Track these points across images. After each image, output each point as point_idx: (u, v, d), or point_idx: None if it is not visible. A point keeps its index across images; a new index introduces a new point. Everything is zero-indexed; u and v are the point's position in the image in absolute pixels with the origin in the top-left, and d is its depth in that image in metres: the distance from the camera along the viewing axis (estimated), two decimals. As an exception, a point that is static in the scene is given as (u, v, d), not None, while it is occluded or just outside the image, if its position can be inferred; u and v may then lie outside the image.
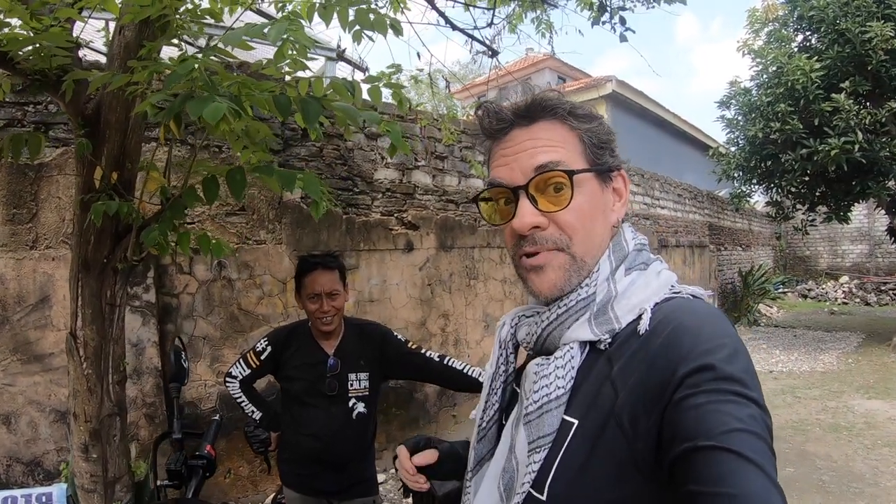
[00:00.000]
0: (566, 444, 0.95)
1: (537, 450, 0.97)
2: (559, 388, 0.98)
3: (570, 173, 1.01)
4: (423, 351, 2.84)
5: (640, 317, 0.97)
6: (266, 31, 1.65)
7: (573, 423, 0.96)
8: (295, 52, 1.95)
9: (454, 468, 1.36)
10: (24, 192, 3.93)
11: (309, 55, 2.03)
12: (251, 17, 4.92)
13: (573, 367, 0.99)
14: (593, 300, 1.01)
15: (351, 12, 2.02)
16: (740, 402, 0.80)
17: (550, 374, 0.99)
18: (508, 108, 1.09)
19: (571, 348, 1.00)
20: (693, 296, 1.03)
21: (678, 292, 1.02)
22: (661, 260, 1.11)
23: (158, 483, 2.70)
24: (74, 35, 2.21)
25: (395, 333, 2.96)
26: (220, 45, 1.81)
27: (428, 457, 1.36)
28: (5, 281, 3.86)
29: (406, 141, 2.32)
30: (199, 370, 4.45)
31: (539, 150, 1.03)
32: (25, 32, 1.99)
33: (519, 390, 1.09)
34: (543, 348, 1.07)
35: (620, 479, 0.88)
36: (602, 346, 0.99)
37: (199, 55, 1.79)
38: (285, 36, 1.71)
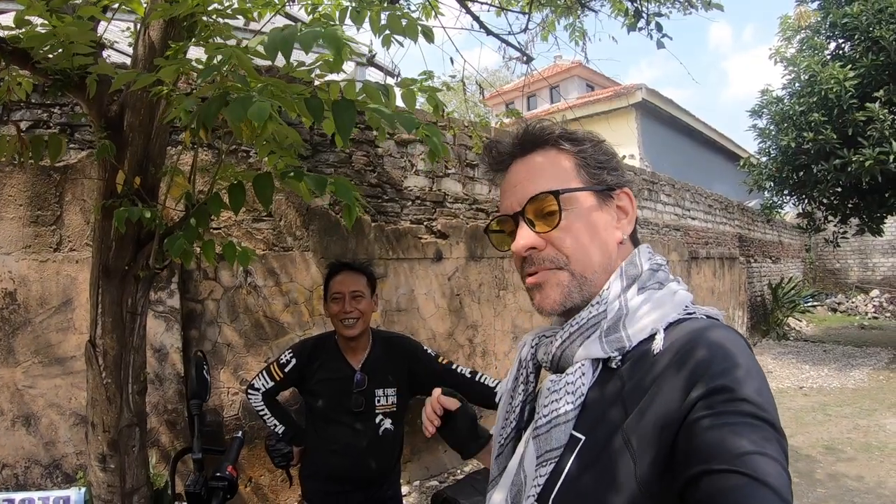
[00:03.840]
0: (572, 459, 0.97)
1: (544, 463, 0.99)
2: (568, 403, 1.00)
3: (557, 193, 1.06)
4: (453, 367, 2.78)
5: (652, 336, 0.98)
6: (315, 35, 1.54)
7: (580, 439, 0.97)
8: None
9: (468, 428, 1.47)
10: (48, 194, 3.90)
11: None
12: (278, 21, 4.88)
13: (584, 385, 1.00)
14: (604, 318, 1.03)
15: (383, 17, 1.96)
16: (755, 424, 0.80)
17: (561, 389, 1.02)
18: (506, 144, 1.17)
19: (583, 365, 1.02)
20: (708, 316, 1.01)
21: (692, 313, 1.01)
22: (679, 281, 1.09)
23: (177, 504, 2.64)
24: (98, 35, 2.16)
25: (425, 348, 2.90)
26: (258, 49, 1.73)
27: (450, 402, 1.47)
28: (28, 283, 3.83)
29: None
30: (223, 378, 4.40)
31: (532, 178, 1.10)
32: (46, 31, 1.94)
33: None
34: (559, 366, 1.08)
35: (625, 496, 0.88)
36: (613, 365, 1.00)
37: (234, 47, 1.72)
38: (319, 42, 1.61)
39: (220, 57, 1.62)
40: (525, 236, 1.08)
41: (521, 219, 1.09)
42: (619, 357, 0.99)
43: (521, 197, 1.09)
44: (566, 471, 0.96)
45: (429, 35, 2.04)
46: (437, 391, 1.49)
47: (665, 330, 0.97)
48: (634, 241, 1.15)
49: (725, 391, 0.82)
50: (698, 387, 0.84)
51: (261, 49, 1.55)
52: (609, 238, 1.09)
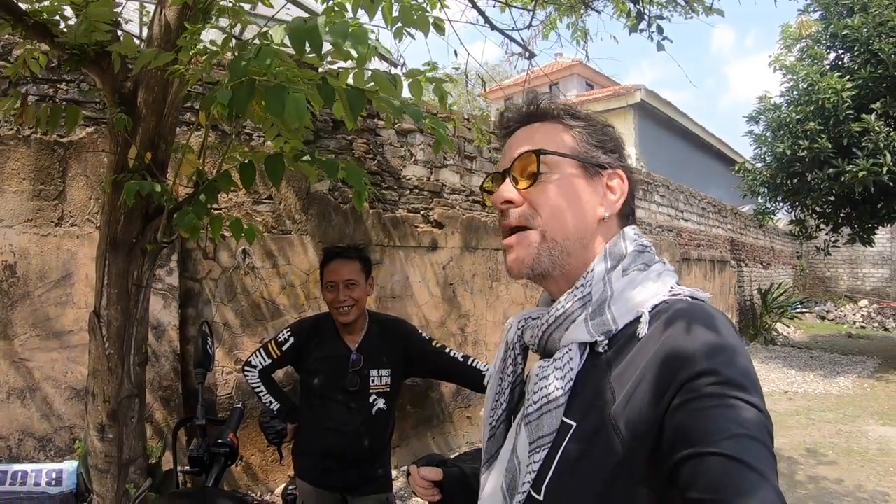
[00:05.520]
0: (563, 445, 0.96)
1: (537, 450, 0.99)
2: (558, 388, 0.99)
3: (538, 152, 1.08)
4: (446, 350, 2.83)
5: (638, 318, 0.97)
6: (342, 30, 1.56)
7: (572, 425, 0.97)
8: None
9: (463, 491, 1.43)
10: (51, 168, 3.92)
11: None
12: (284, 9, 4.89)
13: (572, 369, 1.00)
14: (590, 300, 1.02)
15: (395, 8, 2.00)
16: (741, 406, 0.81)
17: (549, 375, 1.01)
18: (515, 112, 1.21)
19: (570, 350, 1.01)
20: (693, 297, 1.01)
21: (677, 294, 1.01)
22: (665, 262, 1.09)
23: (179, 469, 2.69)
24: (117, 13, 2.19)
25: (420, 331, 2.95)
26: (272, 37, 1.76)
27: (433, 473, 1.45)
28: (28, 256, 3.85)
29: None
30: (217, 356, 4.41)
31: (527, 141, 1.12)
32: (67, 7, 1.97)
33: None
34: (545, 350, 1.08)
35: (614, 481, 0.89)
36: (600, 349, 1.00)
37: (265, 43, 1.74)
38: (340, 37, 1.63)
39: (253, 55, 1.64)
40: (504, 189, 1.11)
41: (507, 175, 1.12)
42: (606, 341, 0.99)
43: (513, 155, 1.12)
44: (558, 457, 0.96)
45: (440, 27, 2.08)
46: (412, 470, 1.48)
47: (650, 312, 0.97)
48: (625, 223, 1.15)
49: (711, 374, 0.83)
50: (684, 370, 0.85)
51: (283, 39, 1.57)
52: (589, 209, 1.09)
